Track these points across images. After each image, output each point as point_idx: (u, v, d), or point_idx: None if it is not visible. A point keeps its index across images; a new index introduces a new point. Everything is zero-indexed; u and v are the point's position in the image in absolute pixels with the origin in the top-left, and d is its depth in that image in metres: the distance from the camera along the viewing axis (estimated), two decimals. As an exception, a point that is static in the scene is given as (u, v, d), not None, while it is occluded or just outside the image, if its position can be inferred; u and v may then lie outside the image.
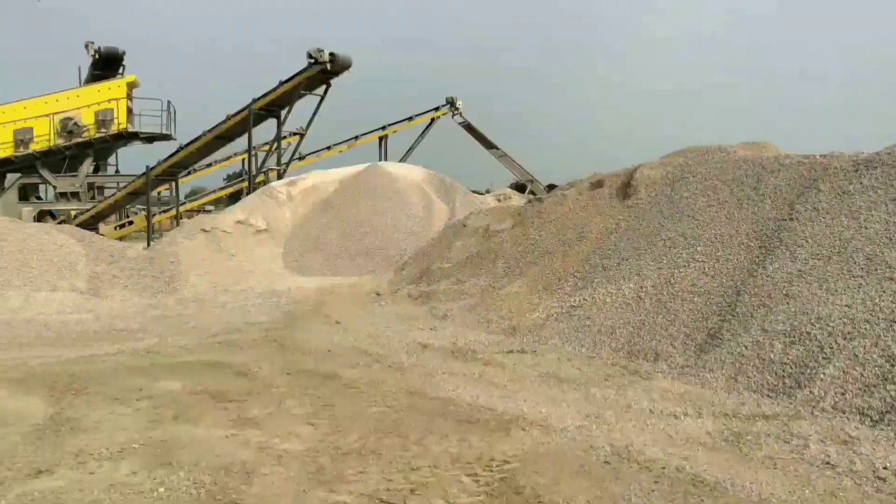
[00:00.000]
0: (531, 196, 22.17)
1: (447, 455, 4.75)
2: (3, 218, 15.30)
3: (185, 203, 26.71)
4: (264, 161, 20.41)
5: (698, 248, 9.12)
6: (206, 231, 15.25)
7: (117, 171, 26.10)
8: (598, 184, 12.62)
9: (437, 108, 27.25)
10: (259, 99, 19.02)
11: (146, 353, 8.19)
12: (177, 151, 20.44)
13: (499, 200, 19.88)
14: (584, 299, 9.20)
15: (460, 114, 27.82)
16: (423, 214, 17.07)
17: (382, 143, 26.35)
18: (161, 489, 4.26)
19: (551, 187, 22.33)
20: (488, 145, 28.68)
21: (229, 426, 5.37)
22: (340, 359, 7.65)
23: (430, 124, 27.16)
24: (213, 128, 19.71)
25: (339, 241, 16.03)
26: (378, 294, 12.75)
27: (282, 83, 18.85)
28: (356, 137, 25.82)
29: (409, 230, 16.41)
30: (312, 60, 18.28)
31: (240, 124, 19.51)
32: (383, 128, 26.07)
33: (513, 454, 4.78)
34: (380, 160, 24.28)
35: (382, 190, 17.40)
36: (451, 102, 27.38)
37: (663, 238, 9.75)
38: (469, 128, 28.46)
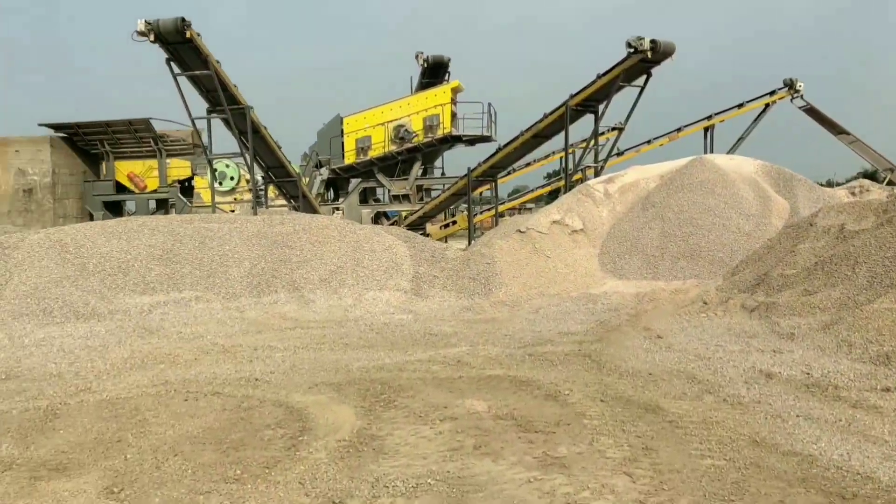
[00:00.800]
0: (890, 188, 18.76)
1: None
2: (342, 220, 16.55)
3: (504, 202, 27.22)
4: (580, 158, 19.75)
5: None
6: (521, 232, 14.98)
7: (443, 173, 27.38)
8: None
9: (772, 93, 24.39)
10: (576, 95, 18.39)
11: (456, 362, 7.88)
12: (496, 152, 20.64)
13: (853, 194, 16.99)
14: None
15: (801, 97, 24.61)
16: (759, 212, 15.06)
17: (708, 133, 24.25)
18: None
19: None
20: (837, 130, 25.05)
21: (533, 466, 4.65)
22: (663, 385, 6.58)
23: (764, 111, 24.38)
24: (530, 127, 19.53)
25: (660, 242, 14.75)
26: (705, 303, 11.32)
27: (599, 76, 18.01)
28: (678, 129, 24.06)
29: (740, 230, 14.58)
30: (632, 50, 17.17)
31: (557, 122, 19.08)
32: (709, 117, 23.96)
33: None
34: (705, 153, 22.34)
35: (710, 185, 15.71)
36: (789, 85, 24.31)
37: None
38: (812, 111, 25.11)
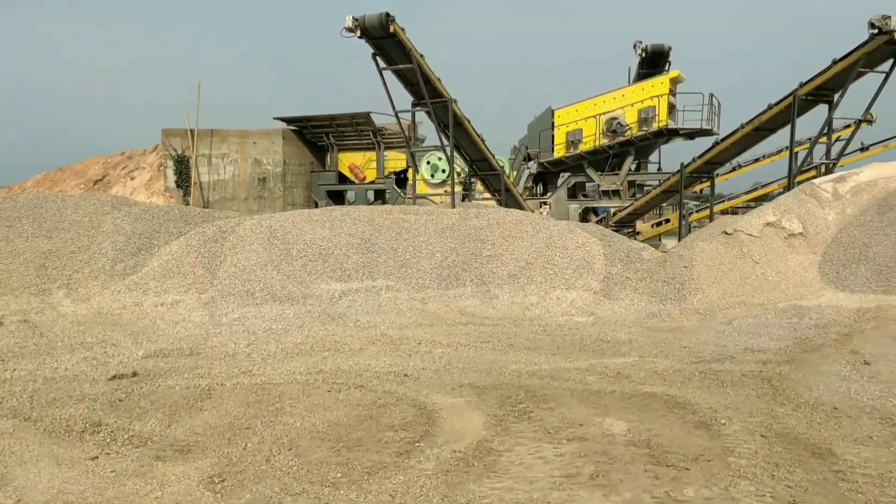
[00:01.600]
0: None
1: None
2: (538, 215, 16.19)
3: (724, 200, 25.33)
4: (808, 155, 17.63)
5: None
6: (727, 234, 13.68)
7: (659, 168, 26.01)
8: None
9: None
10: (806, 83, 16.45)
11: (615, 374, 7.27)
12: (712, 147, 19.13)
13: None
14: None
15: None
16: None
17: (980, 126, 20.68)
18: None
19: None
20: None
21: (648, 506, 4.05)
22: (847, 424, 5.53)
23: None
24: (752, 119, 17.82)
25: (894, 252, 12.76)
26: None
27: (835, 62, 15.95)
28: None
29: None
30: (875, 31, 15.00)
31: (783, 114, 17.21)
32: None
33: None
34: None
35: (968, 187, 13.36)
36: None
37: None
38: None
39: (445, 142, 17.84)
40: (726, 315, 10.85)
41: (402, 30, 15.47)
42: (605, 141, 23.49)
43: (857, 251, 13.30)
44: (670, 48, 24.32)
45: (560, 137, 24.40)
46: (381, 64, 16.31)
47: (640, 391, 6.59)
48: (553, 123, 24.50)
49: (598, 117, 23.47)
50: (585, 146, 23.81)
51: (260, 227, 14.60)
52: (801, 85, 16.58)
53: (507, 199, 20.56)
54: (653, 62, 24.57)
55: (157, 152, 25.67)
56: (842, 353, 8.16)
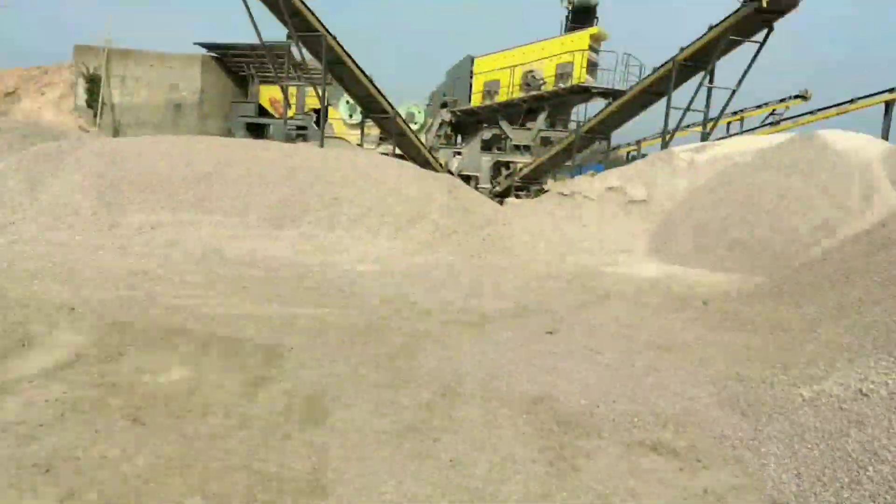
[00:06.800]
0: None
1: None
2: (390, 160, 15.83)
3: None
4: (680, 120, 17.13)
5: None
6: (564, 195, 13.50)
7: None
8: None
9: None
10: (684, 49, 16.02)
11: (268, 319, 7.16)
12: (605, 107, 18.75)
13: None
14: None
15: None
16: (858, 207, 12.31)
17: (891, 110, 20.23)
18: None
19: None
20: None
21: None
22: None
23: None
24: (638, 82, 17.41)
25: (721, 226, 12.58)
26: (705, 304, 9.40)
27: (711, 28, 15.49)
28: (851, 101, 20.32)
29: (826, 224, 12.01)
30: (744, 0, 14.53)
31: (667, 78, 16.81)
32: (892, 90, 19.96)
33: None
34: (883, 134, 18.81)
35: (809, 168, 13.09)
36: None
37: None
38: None
39: (312, 77, 17.33)
40: (505, 276, 10.69)
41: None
42: (520, 94, 23.01)
43: (689, 224, 13.13)
44: (597, 3, 23.64)
45: (478, 86, 23.89)
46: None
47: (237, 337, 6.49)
48: (472, 72, 23.98)
49: (514, 68, 22.95)
50: (500, 97, 23.32)
51: (102, 150, 14.32)
52: (681, 50, 16.16)
53: (404, 143, 20.21)
54: (579, 17, 23.90)
55: (71, 69, 25.15)
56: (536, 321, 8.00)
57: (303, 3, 15.96)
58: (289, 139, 24.59)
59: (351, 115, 25.17)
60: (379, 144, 24.48)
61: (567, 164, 20.69)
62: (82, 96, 24.54)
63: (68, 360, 5.56)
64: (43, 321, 6.51)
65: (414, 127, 23.81)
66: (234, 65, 26.04)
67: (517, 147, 23.51)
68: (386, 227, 13.41)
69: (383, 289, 9.32)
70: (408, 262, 11.54)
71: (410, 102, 24.74)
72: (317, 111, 26.14)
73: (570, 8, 23.79)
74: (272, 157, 14.97)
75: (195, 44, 25.31)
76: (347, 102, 24.71)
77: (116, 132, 24.20)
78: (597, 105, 24.40)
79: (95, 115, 24.40)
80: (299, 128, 26.52)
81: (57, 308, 6.98)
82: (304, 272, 10.27)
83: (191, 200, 13.48)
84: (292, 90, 25.94)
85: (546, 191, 23.29)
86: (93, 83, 24.47)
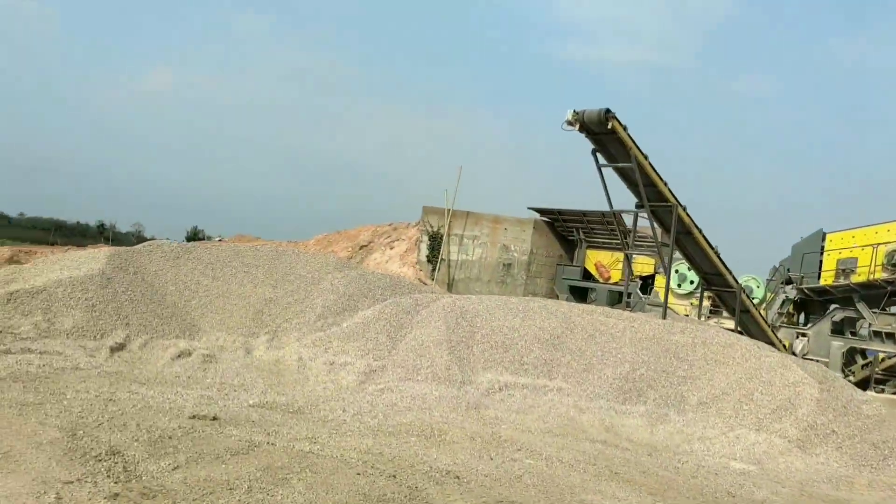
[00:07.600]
0: None
1: None
2: (752, 341, 14.39)
3: None
4: None
5: None
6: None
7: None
8: None
9: None
10: None
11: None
12: None
13: None
14: None
15: None
16: None
17: None
18: None
19: None
20: None
21: None
22: None
23: None
24: None
25: None
26: None
27: None
28: None
29: None
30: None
31: None
32: None
33: None
34: None
35: None
36: None
37: None
38: None
39: (661, 248, 16.78)
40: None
41: (624, 127, 15.01)
42: (884, 275, 20.39)
43: None
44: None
45: (829, 264, 21.70)
46: (602, 160, 15.93)
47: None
48: (823, 248, 21.93)
49: (876, 246, 20.50)
50: (858, 277, 20.86)
51: (453, 307, 14.82)
52: None
53: (746, 320, 18.64)
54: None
55: (417, 226, 27.51)
56: None
57: (657, 175, 15.75)
58: (612, 304, 24.08)
59: (679, 285, 24.11)
60: (708, 318, 23.05)
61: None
62: (424, 251, 26.59)
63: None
64: (434, 490, 6.16)
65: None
66: (564, 228, 26.65)
67: (877, 333, 20.58)
68: (744, 417, 11.88)
69: (772, 498, 7.87)
70: (787, 464, 9.89)
71: (749, 276, 23.15)
72: (643, 278, 25.54)
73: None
74: (615, 324, 14.39)
75: (529, 208, 26.49)
76: (676, 272, 23.79)
77: (450, 286, 25.63)
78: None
79: (434, 269, 26.13)
80: (620, 294, 26.02)
81: (443, 474, 6.65)
82: (670, 459, 9.18)
83: (534, 363, 13.22)
84: (618, 255, 25.74)
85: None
86: (434, 240, 26.43)
